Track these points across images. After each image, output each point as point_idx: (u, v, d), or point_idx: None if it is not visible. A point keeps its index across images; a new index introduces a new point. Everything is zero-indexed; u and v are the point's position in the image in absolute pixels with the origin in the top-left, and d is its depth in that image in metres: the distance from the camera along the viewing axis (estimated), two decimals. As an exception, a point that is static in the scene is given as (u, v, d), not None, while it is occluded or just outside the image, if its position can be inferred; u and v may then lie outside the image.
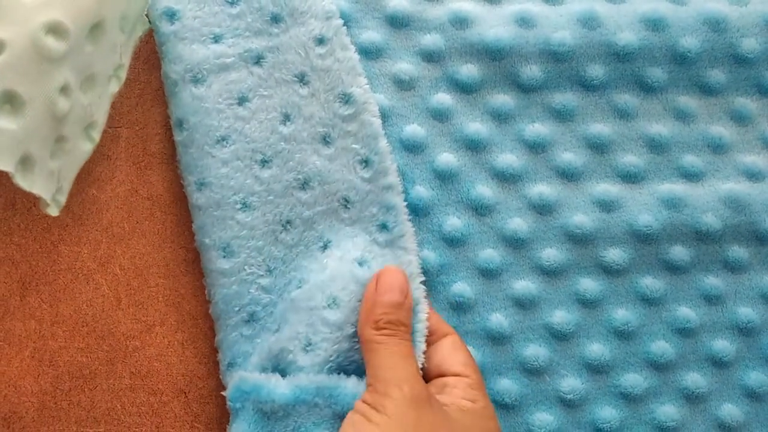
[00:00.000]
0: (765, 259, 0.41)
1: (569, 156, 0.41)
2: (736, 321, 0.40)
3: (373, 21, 0.41)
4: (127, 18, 0.37)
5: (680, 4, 0.42)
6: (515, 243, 0.40)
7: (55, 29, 0.31)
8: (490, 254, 0.40)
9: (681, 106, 0.42)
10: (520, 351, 0.39)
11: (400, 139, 0.40)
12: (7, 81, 0.31)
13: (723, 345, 0.40)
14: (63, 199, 0.35)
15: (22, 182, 0.32)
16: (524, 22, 0.41)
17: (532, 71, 0.41)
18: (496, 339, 0.39)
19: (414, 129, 0.40)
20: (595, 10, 0.41)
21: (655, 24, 0.41)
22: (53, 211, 0.35)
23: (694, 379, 0.40)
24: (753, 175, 0.41)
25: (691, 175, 0.41)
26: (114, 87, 0.38)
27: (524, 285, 0.40)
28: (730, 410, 0.39)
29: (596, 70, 0.41)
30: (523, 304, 0.39)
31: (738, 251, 0.41)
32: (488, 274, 0.40)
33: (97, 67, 0.35)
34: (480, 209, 0.40)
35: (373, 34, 0.41)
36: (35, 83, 0.31)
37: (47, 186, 0.33)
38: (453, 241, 0.40)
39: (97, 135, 0.37)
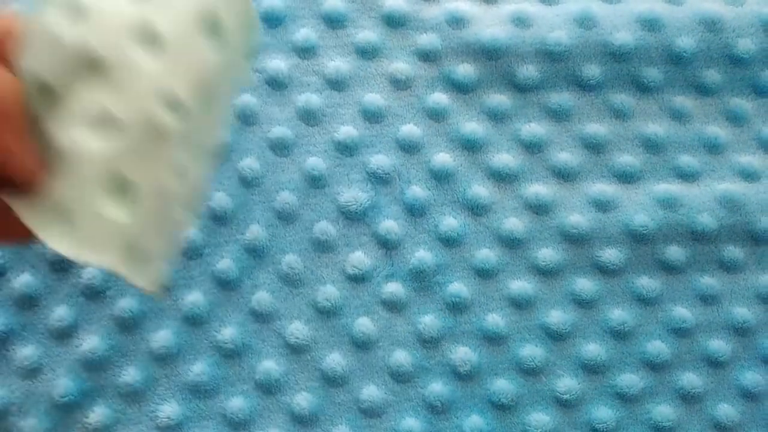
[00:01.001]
0: (760, 259, 0.41)
1: (565, 156, 0.41)
2: (732, 321, 0.40)
3: (369, 20, 0.41)
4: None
5: (676, 4, 0.42)
6: (511, 243, 0.40)
7: (171, 103, 0.27)
8: (487, 254, 0.40)
9: (677, 106, 0.42)
10: (517, 351, 0.39)
11: (396, 139, 0.40)
12: (119, 165, 0.27)
13: (719, 345, 0.40)
14: (163, 279, 0.30)
15: (129, 275, 0.28)
16: (520, 21, 0.41)
17: (528, 71, 0.41)
18: (493, 339, 0.39)
19: (410, 129, 0.40)
20: (591, 10, 0.41)
21: (650, 24, 0.41)
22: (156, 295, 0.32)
23: (690, 379, 0.40)
24: (748, 175, 0.41)
25: (686, 175, 0.41)
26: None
27: (520, 285, 0.39)
28: (726, 410, 0.39)
29: (592, 70, 0.41)
30: (520, 304, 0.39)
31: (733, 251, 0.41)
32: (484, 274, 0.39)
33: (208, 139, 0.31)
34: (476, 209, 0.40)
35: (369, 33, 0.41)
36: (149, 166, 0.27)
37: (152, 273, 0.29)
38: (449, 241, 0.39)
39: (198, 206, 0.32)
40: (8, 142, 0.25)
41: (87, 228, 0.27)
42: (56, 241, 0.27)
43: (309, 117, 0.40)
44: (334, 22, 0.41)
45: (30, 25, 0.27)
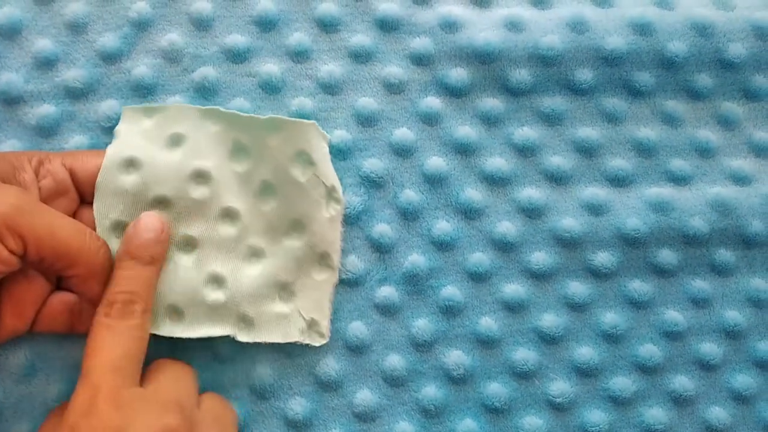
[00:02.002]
0: (751, 263, 0.41)
1: (558, 160, 0.41)
2: (723, 324, 0.40)
3: (362, 24, 0.41)
4: (301, 153, 0.38)
5: (668, 9, 0.42)
6: (504, 246, 0.40)
7: (229, 215, 0.37)
8: (480, 258, 0.40)
9: (668, 110, 0.42)
10: (510, 355, 0.39)
11: (390, 143, 0.40)
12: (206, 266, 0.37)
13: (710, 348, 0.40)
14: (323, 329, 0.38)
15: (244, 339, 0.37)
16: (513, 26, 0.41)
17: (521, 75, 0.41)
18: (486, 343, 0.39)
19: (403, 133, 0.40)
20: (584, 15, 0.41)
21: (642, 28, 0.42)
22: (316, 342, 0.38)
23: (682, 382, 0.40)
24: (740, 180, 0.42)
25: (678, 179, 0.41)
26: (333, 210, 0.38)
27: (513, 288, 0.40)
28: (718, 413, 0.40)
29: (585, 74, 0.41)
30: (513, 308, 0.39)
31: (725, 255, 0.41)
32: (477, 277, 0.40)
33: (298, 211, 0.37)
34: (469, 213, 0.40)
35: (362, 37, 0.41)
36: (227, 258, 0.37)
37: (277, 331, 0.37)
38: (442, 245, 0.40)
39: (334, 261, 0.38)
40: (96, 291, 0.34)
41: (195, 314, 0.36)
42: (169, 331, 0.36)
43: (302, 121, 0.40)
44: (327, 26, 0.41)
45: (98, 179, 0.36)
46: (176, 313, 0.36)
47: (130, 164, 0.36)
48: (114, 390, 0.30)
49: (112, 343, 0.31)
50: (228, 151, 0.37)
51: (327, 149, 0.38)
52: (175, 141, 0.37)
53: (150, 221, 0.35)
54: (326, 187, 0.38)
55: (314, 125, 0.38)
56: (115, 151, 0.36)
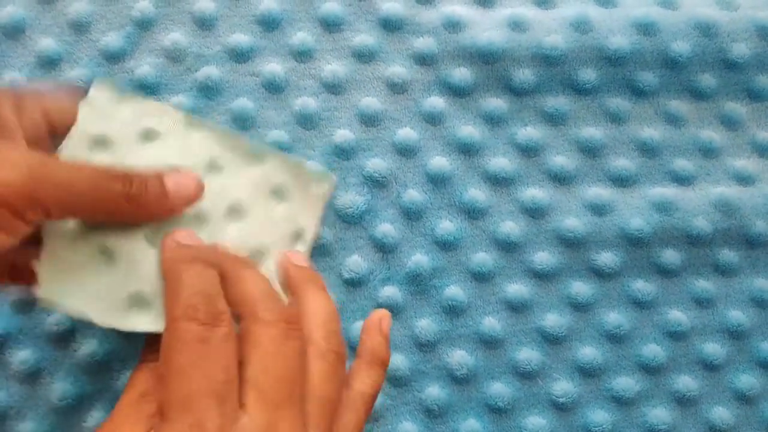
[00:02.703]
0: (755, 263, 0.41)
1: (561, 159, 0.41)
2: (727, 324, 0.41)
3: (366, 24, 0.41)
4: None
5: (671, 9, 0.42)
6: (508, 246, 0.40)
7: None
8: (483, 258, 0.40)
9: (672, 110, 0.42)
10: (513, 354, 0.39)
11: (393, 143, 0.40)
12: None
13: (714, 348, 0.40)
14: None
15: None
16: (517, 25, 0.41)
17: (524, 75, 0.41)
18: (489, 343, 0.39)
19: (407, 132, 0.40)
20: (588, 15, 0.41)
21: (646, 28, 0.42)
22: None
23: (686, 382, 0.40)
24: (743, 179, 0.42)
25: (682, 179, 0.41)
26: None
27: (517, 288, 0.40)
28: (721, 413, 0.40)
29: (588, 74, 0.41)
30: (516, 308, 0.39)
31: (728, 255, 0.41)
32: (481, 277, 0.40)
33: (260, 239, 0.35)
34: (472, 213, 0.40)
35: (366, 37, 0.41)
36: None
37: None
38: (446, 245, 0.40)
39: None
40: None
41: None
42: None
43: (306, 121, 0.40)
44: (330, 25, 0.41)
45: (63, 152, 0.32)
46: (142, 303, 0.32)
47: (101, 142, 0.33)
48: (222, 429, 0.25)
49: (209, 361, 0.26)
50: (202, 163, 0.35)
51: (318, 194, 0.37)
52: (149, 136, 0.34)
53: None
54: (297, 225, 0.36)
55: (302, 164, 0.36)
56: (87, 122, 0.33)
